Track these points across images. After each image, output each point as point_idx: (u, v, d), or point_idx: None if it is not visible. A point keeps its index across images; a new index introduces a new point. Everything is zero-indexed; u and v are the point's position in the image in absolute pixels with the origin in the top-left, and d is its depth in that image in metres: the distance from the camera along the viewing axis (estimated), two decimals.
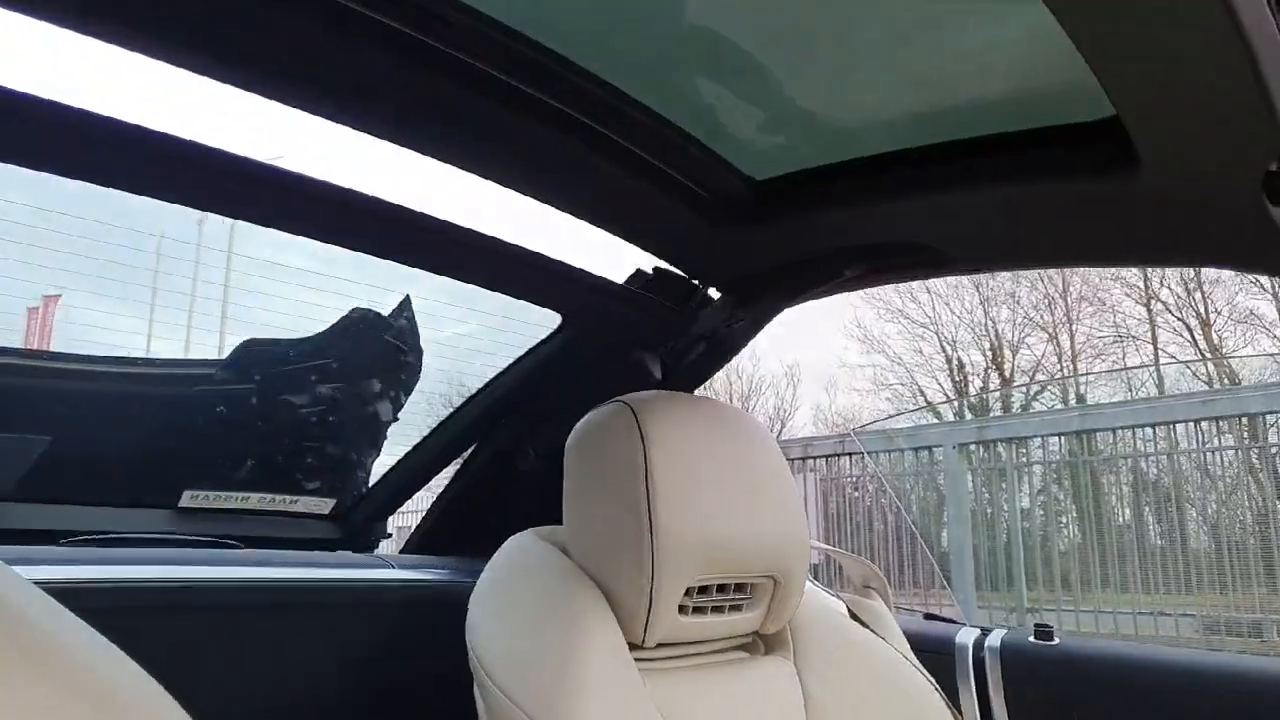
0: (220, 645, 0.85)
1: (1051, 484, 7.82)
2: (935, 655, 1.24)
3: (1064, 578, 6.76)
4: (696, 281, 1.28)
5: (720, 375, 19.65)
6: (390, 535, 1.53)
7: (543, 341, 1.38)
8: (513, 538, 1.02)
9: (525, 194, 1.02)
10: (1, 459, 1.18)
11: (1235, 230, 0.89)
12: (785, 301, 1.27)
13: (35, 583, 0.62)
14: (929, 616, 1.41)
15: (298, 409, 1.47)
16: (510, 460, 1.45)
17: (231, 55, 0.73)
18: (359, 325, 1.54)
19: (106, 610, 0.77)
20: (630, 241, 1.16)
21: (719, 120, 0.98)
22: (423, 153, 0.91)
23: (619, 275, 1.27)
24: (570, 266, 1.15)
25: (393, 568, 1.04)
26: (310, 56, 0.74)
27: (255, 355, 1.50)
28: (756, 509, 0.99)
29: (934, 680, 1.12)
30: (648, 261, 1.27)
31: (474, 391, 1.52)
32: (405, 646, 0.99)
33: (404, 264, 1.13)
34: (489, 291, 1.22)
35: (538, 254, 1.10)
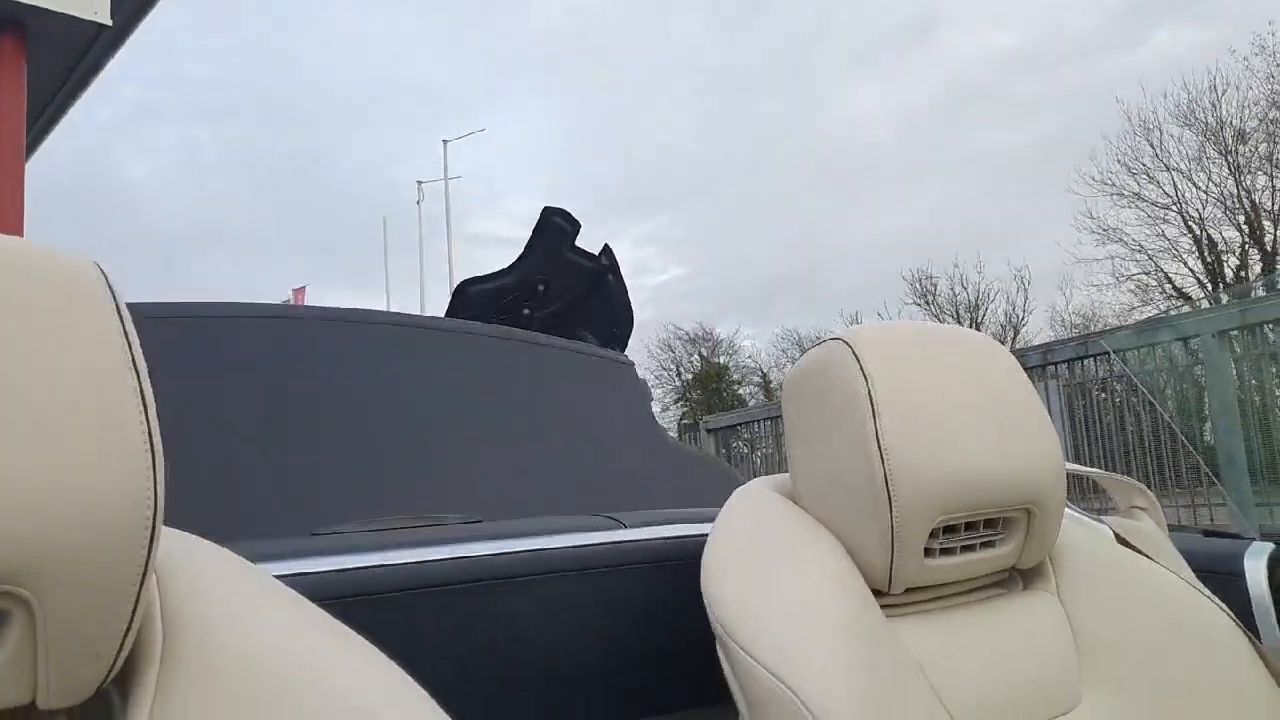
0: (454, 621, 0.88)
1: None
2: (1221, 576, 1.12)
3: None
4: None
5: (944, 288, 18.70)
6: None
7: None
8: (740, 490, 0.99)
9: None
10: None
11: None
12: None
13: (281, 577, 0.66)
14: (1208, 533, 1.26)
15: None
16: None
17: None
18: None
19: (346, 598, 0.81)
20: None
21: None
22: None
23: None
24: None
25: (624, 527, 1.04)
26: None
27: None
28: (999, 436, 0.91)
29: (1224, 605, 1.00)
30: None
31: None
32: (644, 608, 0.99)
33: None
34: None
35: None
